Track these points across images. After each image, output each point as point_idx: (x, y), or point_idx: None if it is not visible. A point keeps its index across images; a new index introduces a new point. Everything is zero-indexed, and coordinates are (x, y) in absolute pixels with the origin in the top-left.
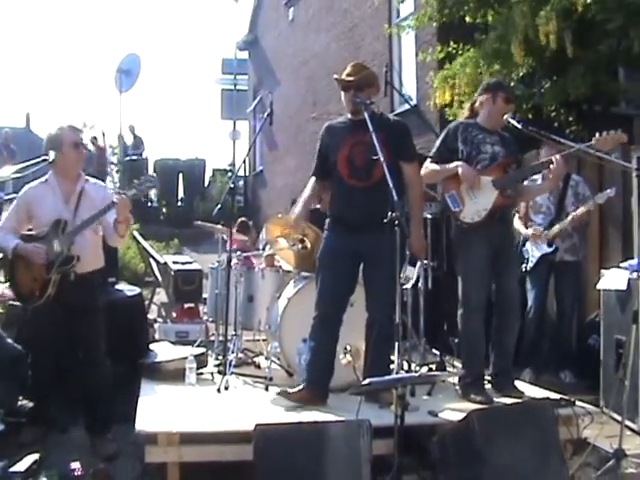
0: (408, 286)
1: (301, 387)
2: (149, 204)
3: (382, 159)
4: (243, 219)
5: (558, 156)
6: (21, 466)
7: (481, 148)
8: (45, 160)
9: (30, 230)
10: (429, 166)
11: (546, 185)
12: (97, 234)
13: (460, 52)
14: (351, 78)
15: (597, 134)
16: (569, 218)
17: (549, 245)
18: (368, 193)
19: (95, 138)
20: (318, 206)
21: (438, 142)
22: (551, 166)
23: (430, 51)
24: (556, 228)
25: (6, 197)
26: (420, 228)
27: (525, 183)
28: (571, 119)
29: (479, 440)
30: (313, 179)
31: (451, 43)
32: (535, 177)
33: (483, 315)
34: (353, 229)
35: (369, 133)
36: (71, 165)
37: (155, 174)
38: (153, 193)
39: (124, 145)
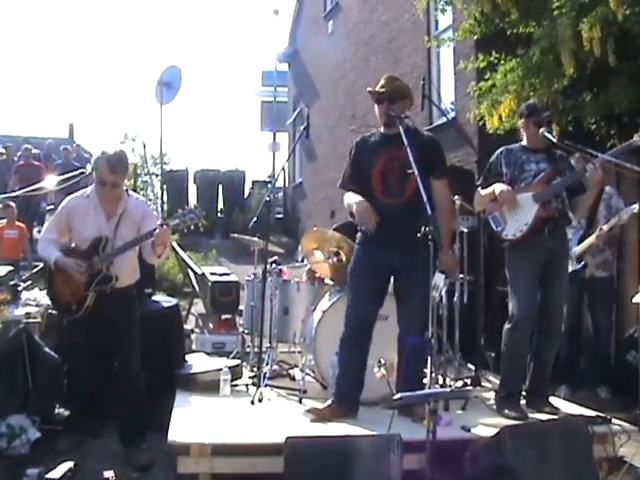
0: (436, 294)
1: (329, 402)
2: None
3: (416, 173)
4: None
5: (595, 162)
6: (56, 473)
7: (524, 167)
8: (83, 173)
9: (69, 241)
10: (477, 194)
11: (589, 193)
12: (134, 250)
13: (502, 62)
14: (384, 90)
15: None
16: (594, 235)
17: (578, 261)
18: (401, 209)
19: None
20: (351, 220)
21: (485, 170)
22: (587, 173)
23: (471, 60)
24: (583, 245)
25: (48, 207)
26: (450, 245)
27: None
28: (612, 132)
29: (510, 456)
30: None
31: (493, 53)
32: None
33: (528, 331)
34: (385, 244)
35: (403, 148)
36: (101, 196)
37: (195, 185)
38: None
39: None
